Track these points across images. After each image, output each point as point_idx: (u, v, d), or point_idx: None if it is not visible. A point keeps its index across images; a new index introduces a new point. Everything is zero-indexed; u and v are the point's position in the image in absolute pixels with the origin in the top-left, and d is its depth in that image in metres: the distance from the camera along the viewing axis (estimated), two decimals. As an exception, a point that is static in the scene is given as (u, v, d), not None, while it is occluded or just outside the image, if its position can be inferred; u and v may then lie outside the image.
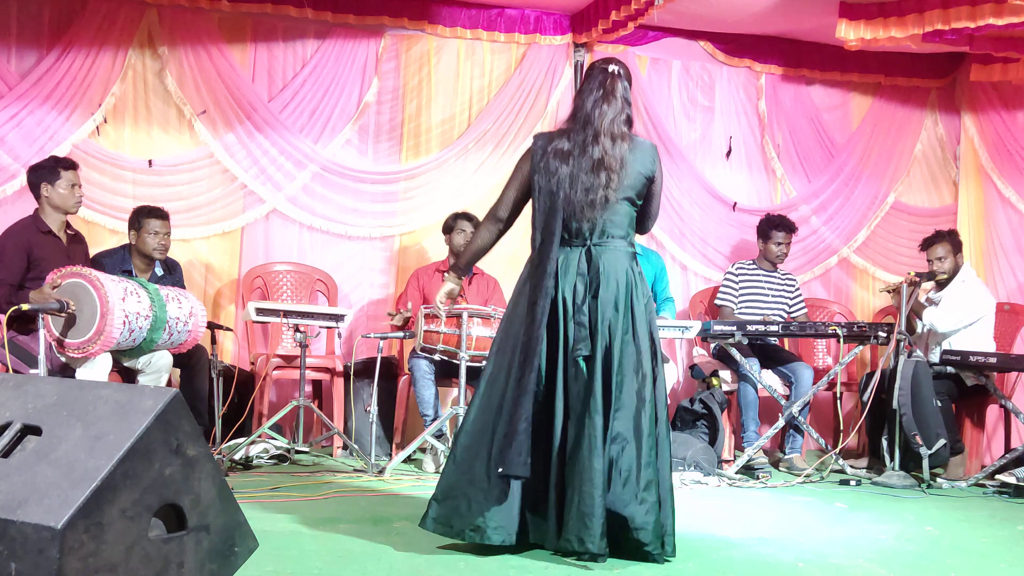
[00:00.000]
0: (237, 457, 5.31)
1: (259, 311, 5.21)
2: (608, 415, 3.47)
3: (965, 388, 5.82)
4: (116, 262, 5.28)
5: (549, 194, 3.59)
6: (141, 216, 5.32)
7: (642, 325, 3.59)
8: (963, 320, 5.88)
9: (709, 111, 7.19)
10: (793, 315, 6.43)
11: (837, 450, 5.68)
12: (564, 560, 3.48)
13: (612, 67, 3.67)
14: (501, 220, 3.78)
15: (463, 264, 3.93)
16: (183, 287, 5.47)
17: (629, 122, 3.66)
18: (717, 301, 6.50)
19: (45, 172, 4.97)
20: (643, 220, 3.77)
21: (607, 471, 3.43)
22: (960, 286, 5.97)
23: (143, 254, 5.32)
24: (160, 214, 5.33)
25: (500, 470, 3.43)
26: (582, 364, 3.53)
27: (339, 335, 6.20)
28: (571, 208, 3.57)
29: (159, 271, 5.41)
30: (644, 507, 3.44)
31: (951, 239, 6.08)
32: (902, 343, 5.51)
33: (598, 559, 3.40)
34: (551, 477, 3.51)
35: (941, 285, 6.03)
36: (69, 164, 5.04)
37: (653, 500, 3.47)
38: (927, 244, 6.11)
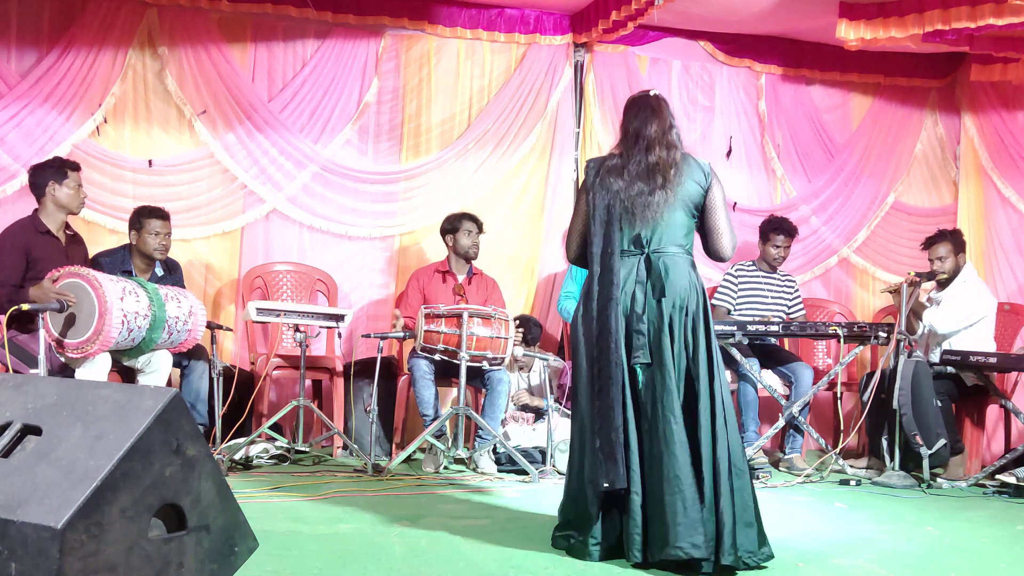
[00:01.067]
0: (237, 457, 5.31)
1: (259, 311, 5.21)
2: (695, 420, 3.46)
3: (965, 388, 5.82)
4: (116, 262, 5.28)
5: (606, 208, 3.63)
6: (142, 216, 5.32)
7: (707, 331, 3.58)
8: (963, 321, 5.87)
9: (709, 111, 7.19)
10: (792, 316, 6.43)
11: (837, 450, 5.68)
12: (563, 561, 3.48)
13: (653, 92, 3.80)
14: (579, 260, 3.81)
15: None
16: (183, 287, 5.47)
17: (679, 139, 3.72)
18: (713, 301, 6.49)
19: (52, 171, 4.98)
20: (710, 235, 3.72)
21: (710, 475, 3.42)
22: (961, 286, 5.96)
23: (144, 254, 5.32)
24: (161, 214, 5.34)
25: (605, 485, 3.43)
26: (639, 371, 3.54)
27: (339, 335, 6.20)
28: (629, 214, 3.60)
29: (159, 271, 5.41)
30: (743, 514, 3.43)
31: (953, 239, 6.06)
32: (902, 343, 5.51)
33: (702, 564, 3.36)
34: (631, 486, 3.46)
35: (942, 285, 6.03)
36: (75, 165, 5.08)
37: (739, 505, 3.43)
38: (929, 243, 6.10)
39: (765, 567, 3.44)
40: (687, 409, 3.47)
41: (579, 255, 3.81)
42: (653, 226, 3.60)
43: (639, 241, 3.62)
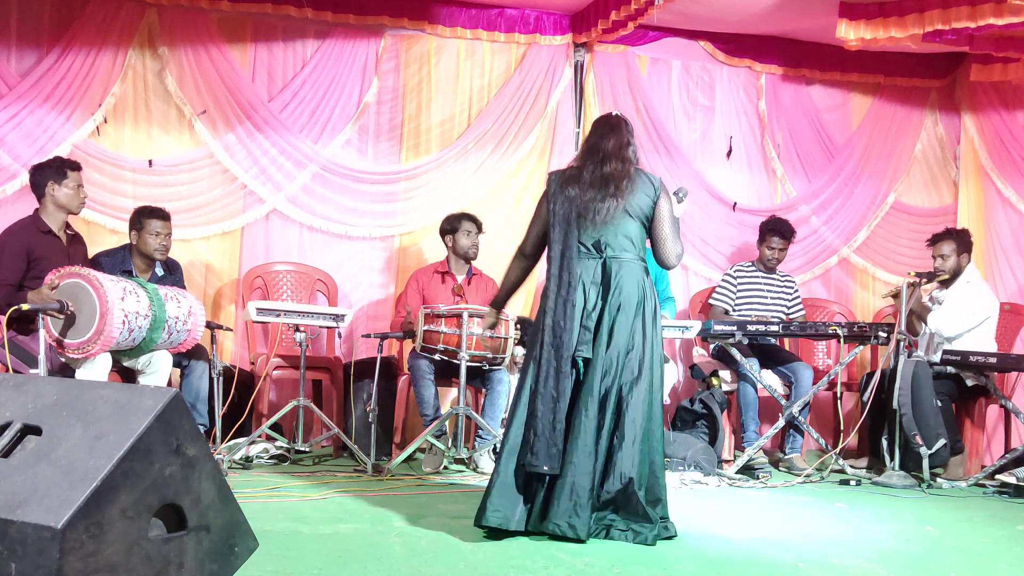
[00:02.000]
0: (237, 457, 5.31)
1: (259, 311, 5.21)
2: (603, 413, 3.81)
3: (965, 388, 5.82)
4: (116, 262, 5.28)
5: (565, 216, 3.98)
6: (142, 216, 5.32)
7: (650, 332, 3.91)
8: (968, 322, 5.85)
9: (709, 111, 7.19)
10: (791, 317, 6.42)
11: (837, 450, 5.68)
12: (564, 560, 3.48)
13: (615, 113, 4.18)
14: (528, 256, 4.19)
15: (500, 299, 4.39)
16: (183, 287, 5.47)
17: (635, 156, 4.06)
18: (710, 300, 6.49)
19: (52, 171, 4.98)
20: (656, 244, 4.04)
21: (602, 463, 3.79)
22: (964, 287, 5.96)
23: (144, 254, 5.32)
24: (161, 215, 5.33)
25: (545, 468, 3.75)
26: (580, 364, 3.88)
27: (339, 335, 6.20)
28: (582, 219, 3.95)
29: (159, 271, 5.41)
30: (636, 499, 3.77)
31: (959, 239, 6.04)
32: (902, 343, 5.51)
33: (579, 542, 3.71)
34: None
35: (945, 284, 6.03)
36: (75, 165, 5.07)
37: (645, 496, 3.80)
38: (935, 239, 6.09)
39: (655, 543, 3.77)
40: (605, 403, 3.81)
41: (531, 253, 4.17)
42: (608, 232, 3.95)
43: (598, 246, 3.96)
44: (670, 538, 3.87)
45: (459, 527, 3.94)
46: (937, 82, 7.49)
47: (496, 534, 3.79)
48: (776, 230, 6.38)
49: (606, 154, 4.00)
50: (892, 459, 5.48)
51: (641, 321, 3.89)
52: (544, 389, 3.81)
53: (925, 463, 5.38)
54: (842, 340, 5.59)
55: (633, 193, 3.96)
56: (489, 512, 3.77)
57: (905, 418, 5.38)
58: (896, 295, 5.78)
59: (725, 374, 6.08)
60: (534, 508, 3.80)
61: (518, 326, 5.84)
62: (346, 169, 6.49)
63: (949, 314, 5.87)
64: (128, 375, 5.04)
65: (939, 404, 5.48)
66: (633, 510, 3.78)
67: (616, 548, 3.70)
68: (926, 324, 5.97)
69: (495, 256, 6.57)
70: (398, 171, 6.61)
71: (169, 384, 5.13)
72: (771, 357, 6.17)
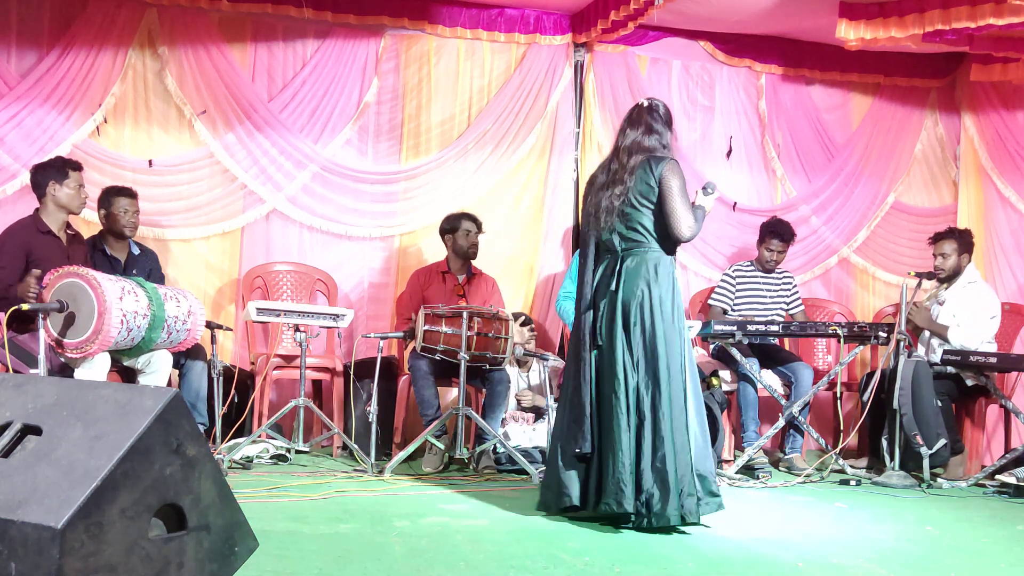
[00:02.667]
0: (237, 457, 5.31)
1: (259, 311, 5.21)
2: (636, 396, 4.01)
3: (965, 388, 5.82)
4: (91, 245, 5.34)
5: (586, 221, 4.28)
6: (109, 196, 5.41)
7: (652, 321, 4.04)
8: (985, 327, 5.85)
9: (709, 111, 7.19)
10: (791, 313, 6.42)
11: (837, 450, 5.68)
12: (564, 560, 3.48)
13: (644, 101, 4.32)
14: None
15: None
16: (160, 269, 5.52)
17: (659, 142, 4.20)
18: (709, 301, 6.48)
19: (53, 171, 4.98)
20: (667, 220, 4.11)
21: (636, 443, 3.98)
22: (969, 288, 5.96)
23: (115, 233, 5.37)
24: (128, 193, 5.42)
25: (577, 450, 4.06)
26: (603, 348, 4.12)
27: (339, 335, 6.20)
28: (597, 223, 4.18)
29: (135, 250, 5.45)
30: (663, 477, 3.93)
31: (961, 239, 6.05)
32: (902, 343, 5.51)
33: (631, 518, 3.95)
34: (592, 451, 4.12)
35: (943, 282, 6.03)
36: (76, 165, 5.08)
37: (671, 471, 3.93)
38: (936, 238, 6.10)
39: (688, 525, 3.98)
40: (636, 386, 4.03)
41: None
42: (621, 228, 4.13)
43: (612, 245, 4.17)
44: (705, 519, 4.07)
45: (459, 527, 3.94)
46: (937, 82, 7.49)
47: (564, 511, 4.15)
48: (775, 232, 6.36)
49: (618, 152, 4.20)
50: (892, 459, 5.48)
51: (650, 308, 4.04)
52: (574, 382, 4.13)
53: (925, 463, 5.38)
54: (842, 340, 5.59)
55: (634, 187, 4.10)
56: (563, 497, 4.09)
57: (905, 418, 5.38)
58: (915, 305, 5.85)
59: (725, 374, 6.07)
60: (588, 488, 4.07)
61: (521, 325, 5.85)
62: (346, 169, 6.49)
63: (967, 328, 5.84)
64: (128, 375, 5.04)
65: (939, 404, 5.48)
66: (677, 486, 3.92)
67: (616, 547, 3.71)
68: (947, 340, 5.91)
69: (495, 256, 6.58)
70: (398, 171, 6.61)
71: (169, 384, 5.13)
72: (771, 357, 6.17)
